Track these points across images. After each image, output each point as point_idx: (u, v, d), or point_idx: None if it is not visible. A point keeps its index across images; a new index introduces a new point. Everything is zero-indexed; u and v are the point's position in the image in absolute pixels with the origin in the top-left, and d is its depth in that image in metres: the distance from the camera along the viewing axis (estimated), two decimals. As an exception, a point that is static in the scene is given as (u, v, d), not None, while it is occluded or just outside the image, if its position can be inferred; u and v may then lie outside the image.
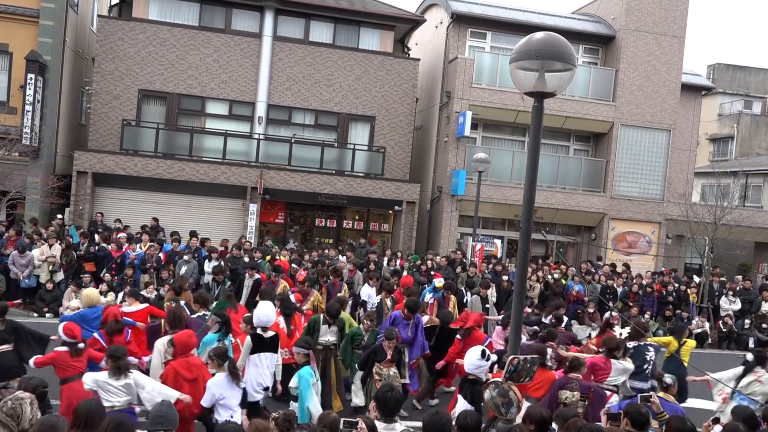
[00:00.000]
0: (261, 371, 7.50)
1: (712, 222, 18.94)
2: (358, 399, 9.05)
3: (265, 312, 7.65)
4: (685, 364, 9.82)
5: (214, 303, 9.83)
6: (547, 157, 21.42)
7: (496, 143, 22.45)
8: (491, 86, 21.15)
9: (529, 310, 12.89)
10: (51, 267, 14.16)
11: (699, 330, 14.08)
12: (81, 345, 7.09)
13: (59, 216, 17.80)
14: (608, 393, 7.64)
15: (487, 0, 22.73)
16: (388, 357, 8.27)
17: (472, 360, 7.06)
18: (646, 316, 15.57)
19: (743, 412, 5.81)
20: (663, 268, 20.88)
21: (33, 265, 14.04)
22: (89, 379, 6.10)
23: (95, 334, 7.86)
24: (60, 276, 14.20)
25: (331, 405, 8.70)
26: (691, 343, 10.24)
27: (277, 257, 15.23)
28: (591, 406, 6.81)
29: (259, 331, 7.59)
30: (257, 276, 12.31)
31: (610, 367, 7.89)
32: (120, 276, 13.88)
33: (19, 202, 17.36)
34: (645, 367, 8.61)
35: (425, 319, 10.36)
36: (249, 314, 8.53)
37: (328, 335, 8.90)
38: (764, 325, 16.62)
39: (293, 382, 6.83)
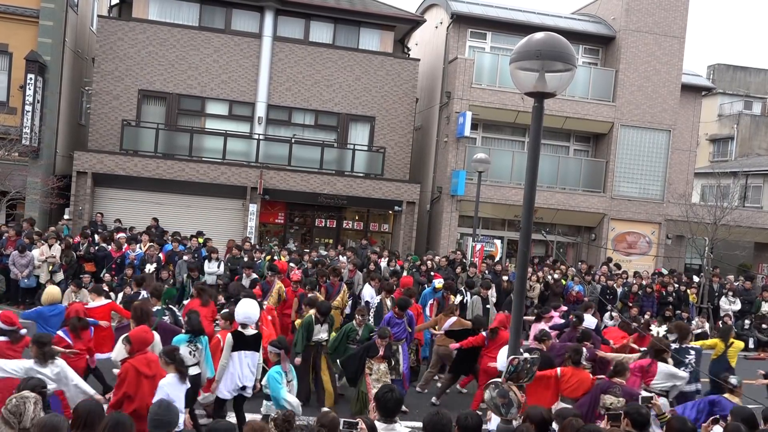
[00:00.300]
0: (240, 370, 7.41)
1: (712, 222, 18.95)
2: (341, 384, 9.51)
3: (245, 310, 7.60)
4: (733, 365, 9.82)
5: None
6: (547, 158, 21.41)
7: (496, 143, 22.45)
8: (491, 86, 21.15)
9: (565, 308, 12.86)
10: (51, 267, 14.15)
11: (699, 330, 14.07)
12: (23, 331, 7.08)
13: (66, 217, 17.79)
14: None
15: (487, 0, 22.73)
16: (380, 353, 8.51)
17: (504, 359, 7.08)
18: (646, 316, 15.55)
19: (742, 411, 5.80)
20: (656, 269, 20.83)
21: (33, 266, 14.03)
22: (12, 367, 5.97)
23: (60, 332, 7.77)
24: (60, 276, 14.18)
25: (324, 400, 9.04)
26: (739, 344, 10.23)
27: (276, 257, 15.23)
28: None
29: (239, 328, 7.54)
30: (254, 275, 12.28)
31: (655, 370, 7.84)
32: (120, 276, 13.87)
33: (19, 202, 17.37)
34: (681, 369, 8.56)
35: (452, 320, 10.42)
36: (227, 310, 8.51)
37: (321, 333, 9.22)
38: (764, 326, 16.62)
39: (264, 380, 6.87)
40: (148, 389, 6.25)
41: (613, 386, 6.89)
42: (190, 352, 7.38)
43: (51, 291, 8.95)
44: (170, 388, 6.16)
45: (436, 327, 10.61)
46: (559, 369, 7.44)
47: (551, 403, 7.20)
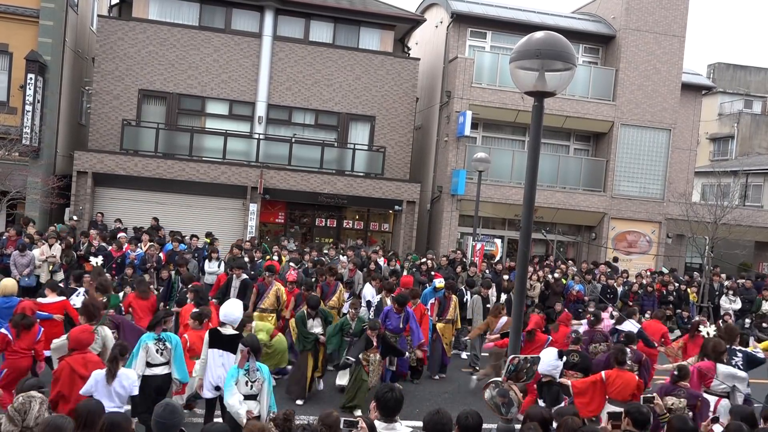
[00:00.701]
0: (213, 370, 7.30)
1: (713, 221, 18.95)
2: (342, 381, 9.70)
3: (226, 309, 7.56)
4: None
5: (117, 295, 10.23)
6: (547, 157, 21.41)
7: (496, 143, 22.44)
8: (491, 86, 21.14)
9: (611, 308, 12.77)
10: (51, 267, 14.14)
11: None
12: None
13: (75, 217, 17.77)
14: (716, 398, 7.61)
15: (488, 0, 22.74)
16: (374, 345, 8.88)
17: (549, 360, 7.15)
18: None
19: (741, 411, 5.82)
20: (648, 268, 20.74)
21: (34, 265, 14.02)
22: None
23: (2, 329, 7.70)
24: (60, 276, 14.17)
25: (313, 390, 9.57)
26: None
27: (274, 258, 15.19)
28: (700, 414, 6.81)
29: (218, 326, 7.50)
30: (244, 276, 12.16)
31: (714, 372, 7.85)
32: (120, 276, 13.86)
33: (19, 202, 17.36)
34: None
35: (503, 321, 10.43)
36: (196, 310, 8.50)
37: (315, 327, 9.55)
38: (764, 324, 16.59)
39: None
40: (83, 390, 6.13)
41: (677, 389, 6.98)
42: (157, 350, 7.26)
43: (5, 283, 9.00)
44: (95, 380, 6.05)
45: (488, 330, 10.84)
46: (603, 373, 7.49)
47: (600, 407, 7.32)
